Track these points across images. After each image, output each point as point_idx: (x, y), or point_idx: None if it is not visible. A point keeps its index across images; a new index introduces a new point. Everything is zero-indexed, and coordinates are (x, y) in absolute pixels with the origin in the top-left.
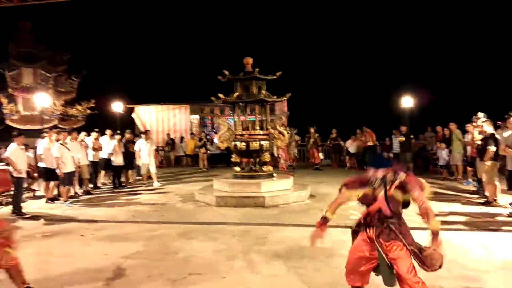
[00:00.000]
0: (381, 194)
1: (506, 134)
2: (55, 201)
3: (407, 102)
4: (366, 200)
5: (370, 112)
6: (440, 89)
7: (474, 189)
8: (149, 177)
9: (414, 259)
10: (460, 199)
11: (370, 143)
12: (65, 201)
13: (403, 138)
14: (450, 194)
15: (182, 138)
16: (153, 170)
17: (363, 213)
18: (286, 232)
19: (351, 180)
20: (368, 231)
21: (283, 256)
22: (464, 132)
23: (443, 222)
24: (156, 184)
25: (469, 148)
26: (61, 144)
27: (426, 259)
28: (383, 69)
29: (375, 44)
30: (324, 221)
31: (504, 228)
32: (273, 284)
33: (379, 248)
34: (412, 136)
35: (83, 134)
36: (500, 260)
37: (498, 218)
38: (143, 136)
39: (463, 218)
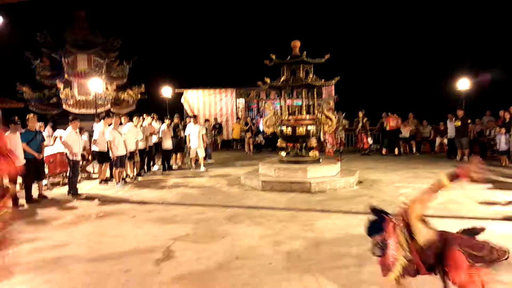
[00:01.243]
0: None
1: None
2: (108, 183)
3: (464, 84)
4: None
5: (423, 95)
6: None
7: None
8: (197, 161)
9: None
10: None
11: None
12: (117, 182)
13: (459, 123)
14: (509, 182)
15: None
16: (201, 154)
17: None
18: (333, 219)
19: None
20: None
21: (331, 243)
22: None
23: (501, 213)
24: (202, 168)
25: None
26: (113, 128)
27: None
28: (438, 49)
29: (430, 21)
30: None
31: None
32: (320, 272)
33: None
34: (469, 121)
35: (149, 118)
36: None
37: None
38: (192, 120)
39: None
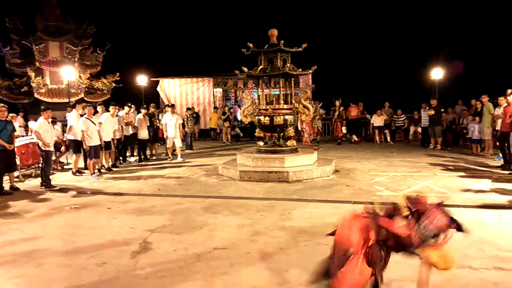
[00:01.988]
0: None
1: None
2: (82, 174)
3: (437, 73)
4: None
5: (399, 84)
6: (473, 60)
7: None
8: (174, 151)
9: None
10: (492, 175)
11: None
12: (92, 173)
13: (432, 112)
14: (480, 170)
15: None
16: (178, 144)
17: None
18: (310, 208)
19: None
20: None
21: (307, 232)
22: (496, 105)
23: (473, 200)
24: (179, 158)
25: (499, 122)
26: (86, 118)
27: None
28: (413, 38)
29: (404, 11)
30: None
31: None
32: (298, 260)
33: None
34: (442, 110)
35: (126, 108)
36: None
37: None
38: (169, 109)
39: (494, 196)
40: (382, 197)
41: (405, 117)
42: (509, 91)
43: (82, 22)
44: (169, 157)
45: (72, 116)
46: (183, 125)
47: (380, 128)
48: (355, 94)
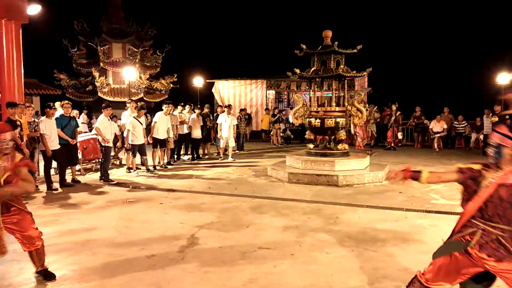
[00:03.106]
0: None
1: None
2: (136, 171)
3: (503, 78)
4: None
5: (460, 89)
6: None
7: None
8: (225, 151)
9: None
10: None
11: None
12: (133, 170)
13: (496, 119)
14: None
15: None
16: (231, 144)
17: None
18: (359, 213)
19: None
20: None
21: (355, 237)
22: None
23: None
24: (230, 158)
25: None
26: (134, 117)
27: None
28: (477, 40)
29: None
30: (414, 174)
31: None
32: (341, 266)
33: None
34: (507, 117)
35: (179, 107)
36: None
37: None
38: (225, 110)
39: None
40: (437, 205)
41: (466, 124)
42: None
43: (144, 24)
44: (221, 157)
45: (125, 115)
46: (237, 126)
47: (439, 135)
48: (413, 98)
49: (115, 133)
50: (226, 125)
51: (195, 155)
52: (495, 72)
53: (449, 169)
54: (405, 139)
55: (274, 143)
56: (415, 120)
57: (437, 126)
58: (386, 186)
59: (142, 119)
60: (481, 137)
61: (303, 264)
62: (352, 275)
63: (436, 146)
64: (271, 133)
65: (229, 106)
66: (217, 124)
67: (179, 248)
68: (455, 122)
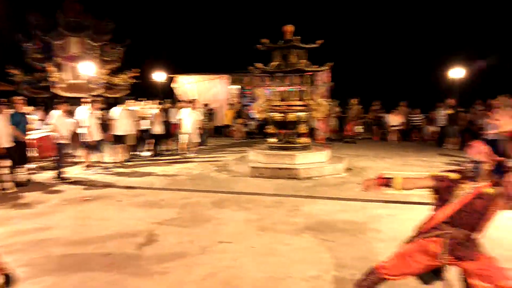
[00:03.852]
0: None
1: None
2: (94, 168)
3: (457, 73)
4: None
5: (416, 83)
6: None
7: None
8: (188, 146)
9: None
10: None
11: None
12: (89, 167)
13: (450, 111)
14: None
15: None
16: (193, 140)
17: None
18: (319, 205)
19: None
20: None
21: (314, 228)
22: None
23: None
24: (192, 154)
25: None
26: (90, 113)
27: None
28: (432, 37)
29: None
30: (387, 181)
31: None
32: (301, 255)
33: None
34: (459, 109)
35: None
36: None
37: None
38: (189, 105)
39: None
40: (394, 195)
41: (422, 116)
42: None
43: (102, 18)
44: (182, 153)
45: (81, 111)
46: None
47: (396, 128)
48: (372, 92)
49: (72, 130)
50: (189, 121)
51: (156, 151)
52: (448, 67)
53: (422, 174)
54: (364, 132)
55: (237, 138)
56: (374, 113)
57: (395, 119)
58: (345, 178)
59: (99, 114)
60: (436, 129)
61: (263, 256)
62: (310, 265)
63: (393, 139)
64: (234, 128)
65: (193, 101)
66: (179, 119)
67: (137, 246)
68: (411, 115)
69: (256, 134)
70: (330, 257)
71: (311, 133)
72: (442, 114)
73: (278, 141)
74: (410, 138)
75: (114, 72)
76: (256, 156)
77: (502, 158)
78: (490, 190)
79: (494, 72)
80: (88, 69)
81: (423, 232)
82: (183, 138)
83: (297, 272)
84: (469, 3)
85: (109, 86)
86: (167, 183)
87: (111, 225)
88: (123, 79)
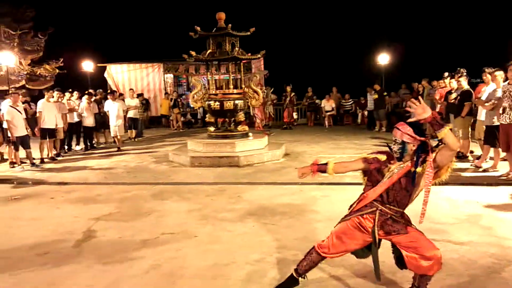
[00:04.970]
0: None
1: (490, 88)
2: (20, 165)
3: (383, 59)
4: (373, 176)
5: (346, 70)
6: (417, 45)
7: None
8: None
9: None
10: None
11: None
12: (17, 165)
13: (376, 96)
14: None
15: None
16: (119, 132)
17: (364, 196)
18: (259, 191)
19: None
20: (364, 219)
21: (256, 213)
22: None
23: None
24: (119, 148)
25: (438, 106)
26: (10, 106)
27: None
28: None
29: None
30: (321, 167)
31: (471, 182)
32: (244, 241)
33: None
34: (385, 93)
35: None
36: (465, 213)
37: (467, 173)
38: (109, 96)
39: None
40: (328, 177)
41: (352, 101)
42: (445, 74)
43: (20, 5)
44: (117, 145)
45: (4, 105)
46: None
47: (329, 113)
48: (306, 79)
49: None
50: (114, 112)
51: (89, 145)
52: (376, 53)
53: (353, 158)
54: (299, 118)
55: (175, 128)
56: (308, 100)
57: (328, 105)
58: (284, 163)
59: (21, 107)
60: (366, 113)
61: (207, 244)
62: (254, 249)
63: (326, 124)
64: (171, 118)
65: (113, 92)
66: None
67: (74, 243)
68: (342, 101)
69: (195, 124)
70: (272, 240)
71: (250, 120)
72: (371, 98)
73: (217, 129)
74: (343, 123)
75: (36, 63)
76: (196, 145)
77: (424, 138)
78: (415, 169)
79: (417, 57)
80: (7, 59)
81: (357, 210)
82: (111, 131)
83: (241, 257)
84: None
85: (32, 78)
86: (103, 177)
87: (45, 224)
88: (47, 69)
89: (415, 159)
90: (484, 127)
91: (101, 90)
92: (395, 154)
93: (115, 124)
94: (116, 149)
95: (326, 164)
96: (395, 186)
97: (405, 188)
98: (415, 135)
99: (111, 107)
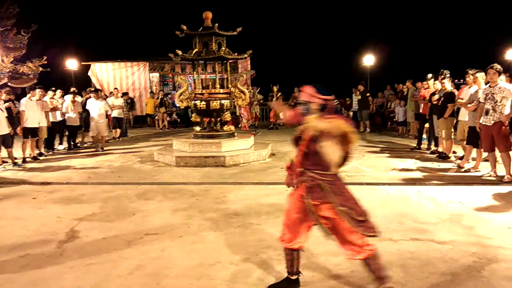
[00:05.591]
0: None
1: (472, 90)
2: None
3: (369, 60)
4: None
5: (333, 70)
6: (402, 47)
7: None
8: (102, 138)
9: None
10: (415, 155)
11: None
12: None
13: (359, 96)
14: (404, 150)
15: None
16: (102, 132)
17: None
18: (245, 191)
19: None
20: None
21: (241, 213)
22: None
23: (397, 178)
24: (100, 148)
25: (421, 106)
26: None
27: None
28: (346, 26)
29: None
30: (291, 167)
31: (454, 182)
32: (229, 241)
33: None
34: (368, 94)
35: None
36: (448, 212)
37: (449, 173)
38: (92, 95)
39: (416, 174)
40: None
41: (337, 102)
42: (429, 75)
43: (3, 1)
44: (100, 144)
45: None
46: (117, 111)
47: None
48: (292, 79)
49: None
50: (95, 111)
51: (72, 144)
52: (362, 54)
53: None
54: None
55: (161, 128)
56: (294, 100)
57: None
58: (270, 163)
59: (3, 106)
60: (351, 114)
61: (192, 244)
62: (238, 249)
63: None
64: (156, 117)
65: (96, 91)
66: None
67: (57, 244)
68: None
69: (180, 123)
70: (257, 240)
71: (236, 120)
72: (355, 99)
73: (203, 129)
74: None
75: (19, 60)
76: (181, 145)
77: (328, 97)
78: (318, 126)
79: (400, 58)
80: None
81: (294, 183)
82: (92, 130)
83: (225, 257)
84: None
85: (15, 76)
86: (87, 177)
87: (27, 224)
88: (30, 67)
89: (318, 117)
90: (467, 127)
91: (89, 88)
92: (301, 115)
93: (96, 124)
94: (98, 149)
95: (292, 162)
96: (309, 150)
97: (318, 151)
98: (316, 93)
99: (94, 106)
